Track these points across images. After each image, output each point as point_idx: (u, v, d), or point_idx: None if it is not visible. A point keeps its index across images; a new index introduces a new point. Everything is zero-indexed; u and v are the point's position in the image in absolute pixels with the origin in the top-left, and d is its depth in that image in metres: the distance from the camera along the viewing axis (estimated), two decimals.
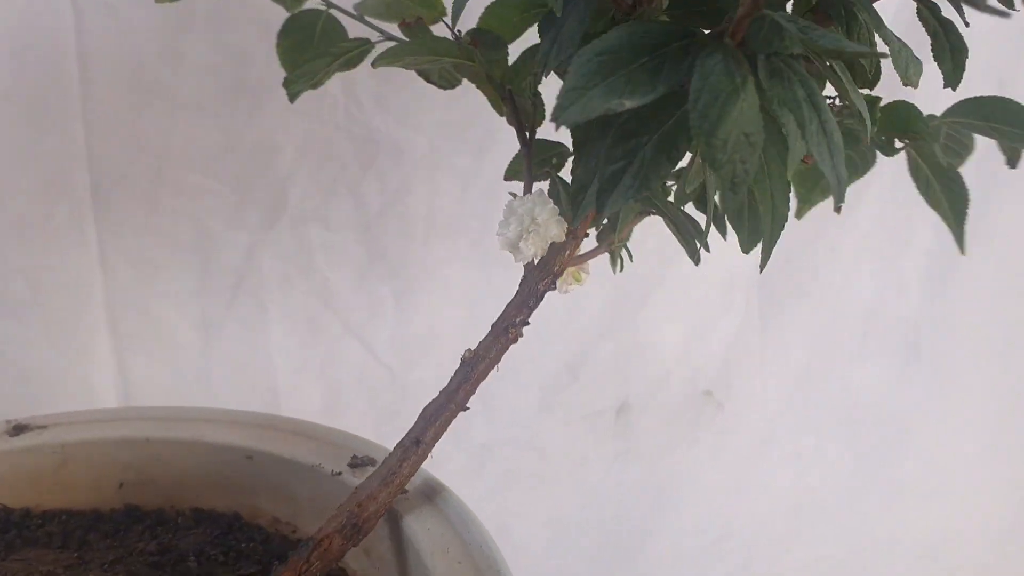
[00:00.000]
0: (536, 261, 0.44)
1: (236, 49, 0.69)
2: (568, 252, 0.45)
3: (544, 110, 0.47)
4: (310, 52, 0.49)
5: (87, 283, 0.73)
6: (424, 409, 0.49)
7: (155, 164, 0.71)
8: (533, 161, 0.48)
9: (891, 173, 0.83)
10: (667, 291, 0.84)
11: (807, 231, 0.84)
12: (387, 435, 0.83)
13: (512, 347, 0.83)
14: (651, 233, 0.83)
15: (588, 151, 0.35)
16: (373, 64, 0.43)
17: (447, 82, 0.51)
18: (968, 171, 0.83)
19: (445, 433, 0.85)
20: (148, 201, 0.72)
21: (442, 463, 0.85)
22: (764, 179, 0.35)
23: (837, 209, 0.32)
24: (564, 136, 0.40)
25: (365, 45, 0.48)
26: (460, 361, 0.48)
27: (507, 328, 0.47)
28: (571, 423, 0.85)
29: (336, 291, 0.77)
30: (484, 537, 0.50)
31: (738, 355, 0.86)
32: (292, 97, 0.47)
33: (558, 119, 0.30)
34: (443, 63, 0.46)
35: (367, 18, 0.49)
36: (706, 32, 0.32)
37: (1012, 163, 0.44)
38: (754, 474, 0.90)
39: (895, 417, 0.91)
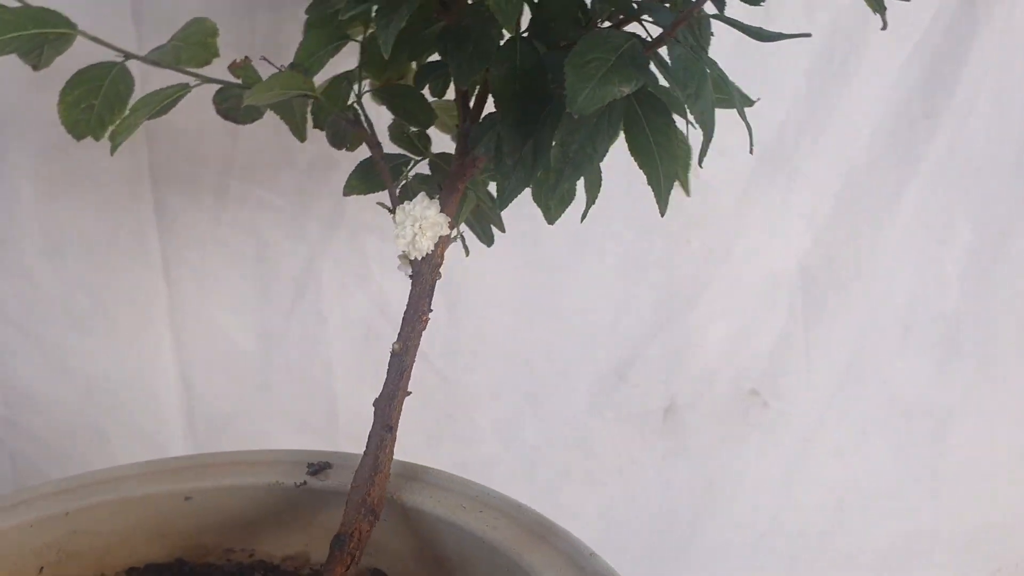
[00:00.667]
0: (429, 255, 0.51)
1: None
2: (446, 242, 0.52)
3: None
4: (141, 105, 0.51)
5: (151, 296, 0.75)
6: (376, 401, 0.53)
7: (217, 179, 0.73)
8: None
9: (929, 170, 0.84)
10: (713, 292, 0.85)
11: (848, 229, 0.85)
12: (441, 437, 0.85)
13: (560, 349, 0.85)
14: (696, 235, 0.85)
15: (512, 147, 0.42)
16: (245, 102, 0.48)
17: (249, 117, 0.55)
18: (1009, 166, 0.84)
19: (495, 435, 0.87)
20: (211, 215, 0.74)
21: (493, 465, 0.87)
22: (650, 146, 0.43)
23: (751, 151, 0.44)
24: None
25: (183, 90, 0.51)
26: (391, 354, 0.53)
27: (419, 317, 0.53)
28: (620, 423, 0.87)
29: (391, 299, 0.79)
30: (483, 487, 0.54)
31: (783, 353, 0.88)
32: (113, 150, 0.50)
33: (574, 108, 0.37)
34: (289, 95, 0.50)
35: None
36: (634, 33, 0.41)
37: None
38: (800, 470, 0.92)
39: (937, 412, 0.92)
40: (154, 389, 0.77)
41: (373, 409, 0.52)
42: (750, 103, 0.50)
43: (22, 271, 0.73)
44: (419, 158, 0.57)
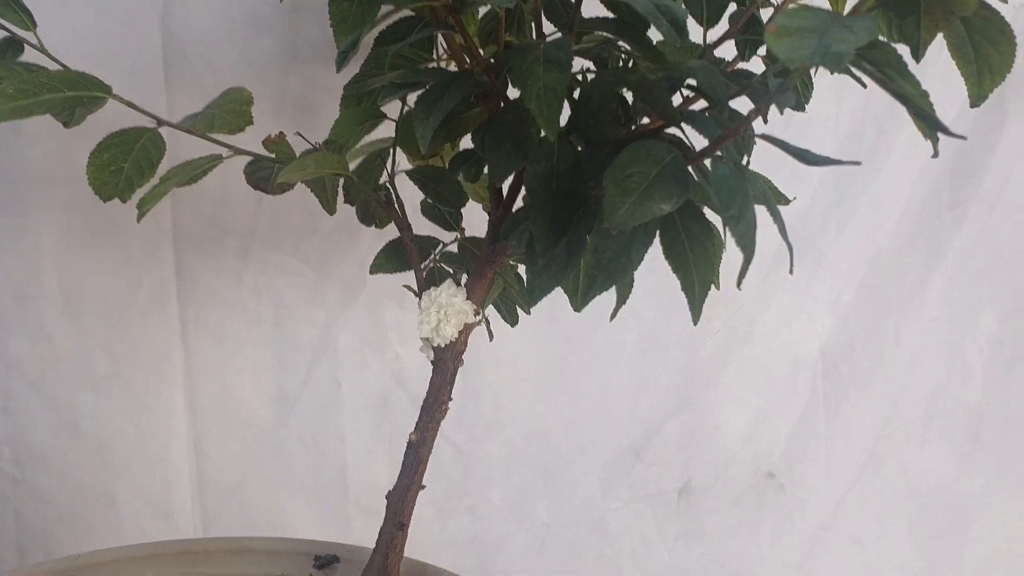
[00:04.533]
0: (452, 342, 0.50)
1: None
2: (470, 329, 0.51)
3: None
4: (172, 174, 0.51)
5: (167, 358, 0.74)
6: (389, 495, 0.52)
7: (240, 242, 0.73)
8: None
9: (956, 260, 0.84)
10: (732, 373, 0.84)
11: (872, 316, 0.84)
12: (453, 509, 0.83)
13: (577, 425, 0.84)
14: (716, 315, 0.84)
15: (544, 247, 0.41)
16: (279, 180, 0.48)
17: (280, 189, 0.56)
18: None
19: (507, 511, 0.85)
20: (231, 278, 0.73)
21: (503, 542, 0.85)
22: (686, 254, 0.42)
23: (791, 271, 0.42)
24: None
25: (215, 161, 0.52)
26: (407, 444, 0.52)
27: (439, 406, 0.53)
28: (634, 503, 0.85)
29: (407, 368, 0.78)
30: None
31: (802, 438, 0.86)
32: (140, 217, 0.51)
33: (613, 223, 0.36)
34: (322, 173, 0.51)
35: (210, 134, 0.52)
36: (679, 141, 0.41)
37: None
38: (816, 557, 0.89)
39: (958, 503, 0.90)
40: (165, 453, 0.76)
41: (386, 502, 0.51)
42: (787, 202, 0.50)
43: (39, 329, 0.72)
44: (446, 242, 0.57)
